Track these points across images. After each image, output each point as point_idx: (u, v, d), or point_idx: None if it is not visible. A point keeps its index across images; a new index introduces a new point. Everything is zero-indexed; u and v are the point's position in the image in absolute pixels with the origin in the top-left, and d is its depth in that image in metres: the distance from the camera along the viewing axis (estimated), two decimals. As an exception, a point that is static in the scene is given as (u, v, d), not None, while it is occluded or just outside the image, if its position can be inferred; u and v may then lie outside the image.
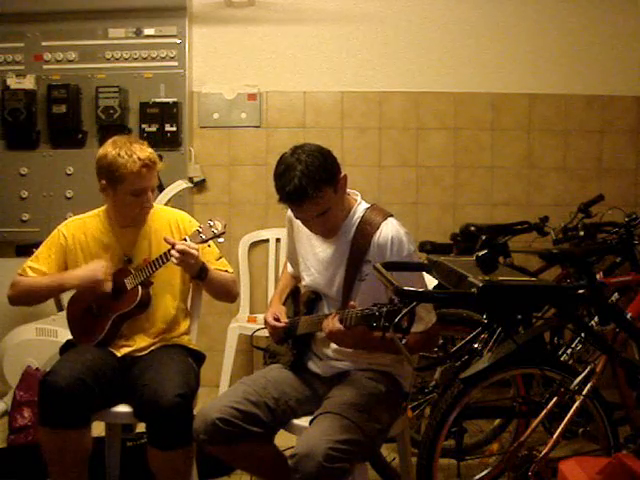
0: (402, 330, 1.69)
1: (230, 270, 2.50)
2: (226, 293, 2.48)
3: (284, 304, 2.36)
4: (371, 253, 2.10)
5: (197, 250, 2.26)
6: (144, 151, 2.30)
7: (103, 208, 2.49)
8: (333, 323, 1.99)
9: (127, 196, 2.33)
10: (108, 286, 2.32)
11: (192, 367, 2.34)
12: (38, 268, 2.39)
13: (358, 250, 2.12)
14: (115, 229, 2.44)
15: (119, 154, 2.28)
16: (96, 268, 2.32)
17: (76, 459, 2.18)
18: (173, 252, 2.23)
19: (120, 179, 2.29)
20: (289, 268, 2.46)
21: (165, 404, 2.08)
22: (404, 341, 1.71)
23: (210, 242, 2.44)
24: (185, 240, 2.27)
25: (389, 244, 2.08)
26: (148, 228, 2.45)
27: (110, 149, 2.31)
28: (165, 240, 2.27)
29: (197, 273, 2.32)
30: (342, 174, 2.10)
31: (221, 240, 2.32)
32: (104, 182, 2.34)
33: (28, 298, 2.43)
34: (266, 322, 2.28)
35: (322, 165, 2.03)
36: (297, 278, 2.42)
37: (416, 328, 1.88)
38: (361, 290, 2.12)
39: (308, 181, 1.99)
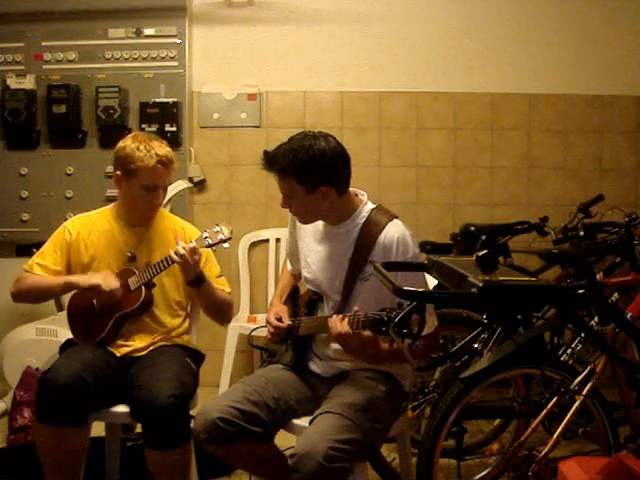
0: (412, 335, 1.69)
1: (228, 290, 2.50)
2: (219, 312, 2.47)
3: (284, 304, 2.36)
4: (375, 253, 2.10)
5: (199, 255, 2.27)
6: (162, 149, 2.34)
7: (110, 206, 2.50)
8: (342, 326, 1.98)
9: (139, 190, 2.34)
10: (115, 290, 2.31)
11: (190, 367, 2.34)
12: (45, 265, 2.39)
13: (362, 250, 2.12)
14: (121, 226, 2.45)
15: (138, 147, 2.31)
16: (103, 276, 2.31)
17: (71, 458, 2.18)
18: (179, 248, 2.24)
19: (135, 172, 2.31)
20: (289, 266, 2.46)
21: (159, 405, 2.08)
22: (414, 346, 1.70)
23: (213, 260, 2.47)
24: (192, 242, 2.28)
25: (395, 245, 2.09)
26: (153, 230, 2.46)
27: (130, 142, 2.34)
28: (176, 239, 2.29)
29: (193, 278, 2.32)
30: (326, 188, 2.08)
31: (226, 245, 2.33)
32: (119, 173, 2.36)
33: (31, 296, 2.43)
34: (268, 322, 2.28)
35: (305, 162, 2.04)
36: (296, 277, 2.42)
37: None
38: (364, 290, 2.12)
39: (284, 160, 2.05)
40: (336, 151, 2.10)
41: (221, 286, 2.47)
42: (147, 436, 2.16)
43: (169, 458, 2.14)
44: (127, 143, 2.34)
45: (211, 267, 2.46)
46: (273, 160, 2.08)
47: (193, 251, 2.25)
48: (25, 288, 2.38)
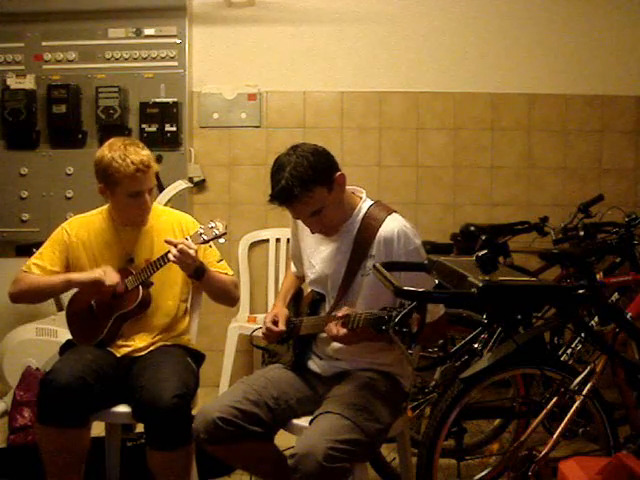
0: (411, 334, 1.69)
1: (230, 273, 2.50)
2: (225, 295, 2.47)
3: (287, 306, 2.35)
4: (375, 248, 2.10)
5: (195, 250, 2.27)
6: (139, 154, 2.31)
7: (106, 207, 2.50)
8: (338, 330, 1.99)
9: (125, 198, 2.34)
10: (118, 284, 2.32)
11: (191, 367, 2.35)
12: (43, 265, 2.39)
13: (361, 245, 2.12)
14: (118, 227, 2.45)
15: (113, 158, 2.29)
16: (104, 270, 2.32)
17: (73, 459, 2.19)
18: (172, 249, 2.24)
19: (116, 183, 2.31)
20: (293, 268, 2.45)
21: (163, 405, 2.08)
22: (414, 346, 1.71)
23: (212, 244, 2.45)
24: (187, 239, 2.28)
25: (395, 238, 2.08)
26: (151, 228, 2.46)
27: (106, 152, 2.33)
28: (166, 242, 2.28)
29: (193, 272, 2.32)
30: (338, 173, 2.09)
31: (222, 241, 2.33)
32: (102, 185, 2.37)
33: (30, 295, 2.43)
34: (263, 323, 2.27)
35: (312, 165, 2.02)
36: (301, 279, 2.42)
37: None
38: (365, 285, 2.11)
39: (295, 182, 1.99)
40: (310, 144, 2.10)
41: (223, 270, 2.47)
42: (150, 436, 2.16)
43: (171, 458, 2.15)
44: (104, 154, 2.33)
45: (210, 253, 2.46)
46: (287, 189, 2.00)
47: (188, 248, 2.24)
48: (24, 288, 2.38)
